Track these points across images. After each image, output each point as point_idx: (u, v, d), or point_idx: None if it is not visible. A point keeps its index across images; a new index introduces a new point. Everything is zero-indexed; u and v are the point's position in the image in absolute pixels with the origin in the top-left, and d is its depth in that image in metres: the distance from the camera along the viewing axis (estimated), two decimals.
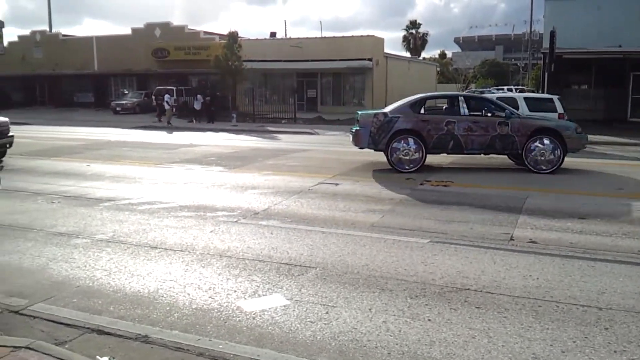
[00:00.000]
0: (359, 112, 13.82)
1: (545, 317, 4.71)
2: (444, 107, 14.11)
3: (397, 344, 4.23)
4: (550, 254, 6.47)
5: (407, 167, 12.60)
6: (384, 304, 5.01)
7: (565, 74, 26.62)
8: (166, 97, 30.60)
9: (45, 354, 3.85)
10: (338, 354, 4.10)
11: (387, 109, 13.33)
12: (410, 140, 12.63)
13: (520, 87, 52.36)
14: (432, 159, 14.96)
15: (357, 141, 13.29)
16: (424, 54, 73.99)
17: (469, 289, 5.36)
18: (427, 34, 73.32)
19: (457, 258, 6.31)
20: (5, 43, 42.67)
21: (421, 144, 12.62)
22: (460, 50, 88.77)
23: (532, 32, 57.42)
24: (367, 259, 6.27)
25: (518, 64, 76.20)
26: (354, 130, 13.39)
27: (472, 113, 12.89)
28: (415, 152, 12.61)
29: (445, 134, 12.63)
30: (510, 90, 44.91)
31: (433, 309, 4.89)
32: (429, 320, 4.66)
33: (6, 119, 15.02)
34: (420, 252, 6.53)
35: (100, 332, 4.51)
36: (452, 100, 13.47)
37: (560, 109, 18.44)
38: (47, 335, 4.41)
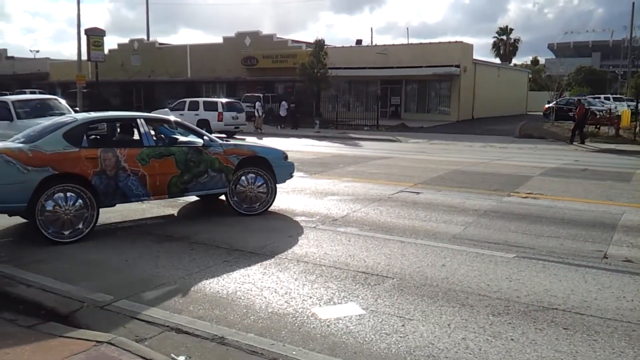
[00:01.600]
0: None
1: None
2: None
3: None
4: None
5: None
6: (464, 320, 4.80)
7: None
8: (257, 104, 31.30)
9: (125, 349, 3.99)
10: None
11: None
12: None
13: (618, 95, 49.34)
14: (516, 169, 14.36)
15: None
16: (515, 61, 71.59)
17: (556, 308, 5.03)
18: (518, 40, 70.90)
19: (545, 275, 5.96)
20: (106, 51, 45.61)
21: None
22: (554, 56, 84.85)
23: (633, 38, 54.01)
24: (448, 272, 6.06)
25: (616, 71, 71.84)
26: None
27: None
28: None
29: None
30: (607, 99, 42.39)
31: (517, 328, 4.62)
32: (512, 339, 4.40)
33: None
34: (505, 267, 6.22)
35: (179, 331, 4.62)
36: None
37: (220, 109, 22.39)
38: (128, 332, 4.57)
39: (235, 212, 8.77)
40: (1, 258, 6.63)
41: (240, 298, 5.33)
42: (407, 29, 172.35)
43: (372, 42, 57.92)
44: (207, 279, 5.87)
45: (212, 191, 8.69)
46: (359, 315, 4.89)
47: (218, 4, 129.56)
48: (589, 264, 6.35)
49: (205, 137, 8.54)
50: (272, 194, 9.05)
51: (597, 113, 29.35)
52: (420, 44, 40.05)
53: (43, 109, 15.45)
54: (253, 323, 4.76)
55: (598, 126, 26.41)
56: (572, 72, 56.73)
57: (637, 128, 24.45)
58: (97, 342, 4.11)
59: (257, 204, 8.93)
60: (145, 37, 54.53)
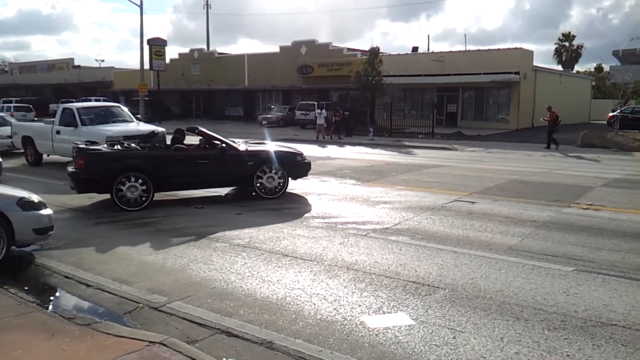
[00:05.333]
0: None
1: None
2: None
3: None
4: None
5: None
6: (518, 334, 4.65)
7: None
8: (317, 111, 31.13)
9: (177, 351, 4.08)
10: None
11: None
12: None
13: None
14: (577, 179, 13.85)
15: None
16: (577, 68, 69.16)
17: (615, 324, 4.81)
18: (581, 46, 68.50)
19: (605, 290, 5.71)
20: (168, 60, 47.10)
21: None
22: (619, 63, 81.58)
23: None
24: (502, 284, 5.89)
25: None
26: None
27: None
28: None
29: None
30: None
31: (573, 343, 4.44)
32: (568, 355, 4.24)
33: (163, 129, 16.44)
34: (562, 281, 6.00)
35: (229, 334, 4.69)
36: None
37: None
38: (180, 333, 4.68)
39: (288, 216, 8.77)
40: (65, 259, 6.93)
41: (289, 304, 5.36)
42: (465, 35, 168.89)
43: (428, 49, 57.32)
44: (258, 284, 5.94)
45: None
46: (409, 326, 4.82)
47: (276, 13, 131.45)
48: None
49: None
50: None
51: None
52: (479, 50, 39.28)
53: (106, 116, 16.10)
54: (301, 329, 4.78)
55: None
56: (638, 79, 54.33)
57: None
58: (150, 342, 4.23)
59: None
60: (205, 47, 56.02)
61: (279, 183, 11.15)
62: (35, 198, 6.90)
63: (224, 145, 10.95)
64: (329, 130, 30.55)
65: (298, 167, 11.67)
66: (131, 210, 9.79)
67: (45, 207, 6.98)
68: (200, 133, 11.19)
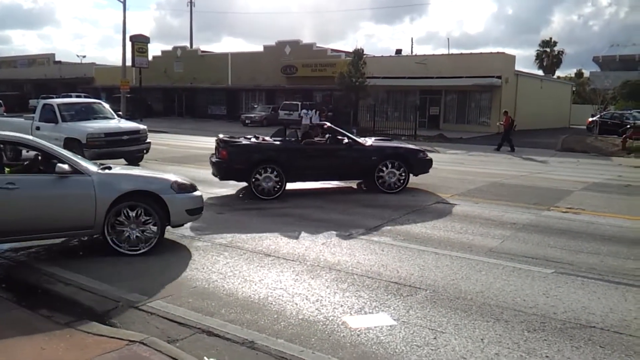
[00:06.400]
0: None
1: None
2: None
3: None
4: None
5: None
6: (498, 335, 4.70)
7: None
8: (304, 112, 30.87)
9: (157, 350, 4.05)
10: None
11: None
12: None
13: None
14: (557, 183, 14.01)
15: None
16: (558, 73, 70.08)
17: (594, 326, 4.88)
18: (562, 52, 69.45)
19: (584, 292, 5.79)
20: (150, 57, 46.71)
21: None
22: (599, 69, 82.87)
23: None
24: (483, 286, 5.95)
25: None
26: None
27: None
28: None
29: None
30: None
31: (552, 345, 4.50)
32: (547, 357, 4.29)
33: (144, 127, 16.27)
34: (542, 283, 6.07)
35: (210, 333, 4.66)
36: None
37: None
38: (161, 332, 4.64)
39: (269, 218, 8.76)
40: (41, 256, 6.84)
41: (271, 303, 5.35)
42: (448, 39, 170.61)
43: (412, 52, 57.65)
44: (239, 283, 5.92)
45: None
46: (390, 326, 4.84)
47: (260, 13, 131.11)
48: (630, 282, 6.15)
49: None
50: None
51: None
52: (461, 54, 39.63)
53: (87, 113, 15.90)
54: (283, 329, 4.77)
55: None
56: (618, 85, 55.32)
57: None
58: (130, 341, 4.19)
59: None
60: (189, 45, 55.67)
61: (399, 179, 11.69)
62: (187, 181, 7.48)
63: (350, 140, 11.65)
64: None
65: (420, 163, 12.22)
66: (266, 199, 10.64)
67: (196, 190, 7.48)
68: (328, 129, 11.88)
